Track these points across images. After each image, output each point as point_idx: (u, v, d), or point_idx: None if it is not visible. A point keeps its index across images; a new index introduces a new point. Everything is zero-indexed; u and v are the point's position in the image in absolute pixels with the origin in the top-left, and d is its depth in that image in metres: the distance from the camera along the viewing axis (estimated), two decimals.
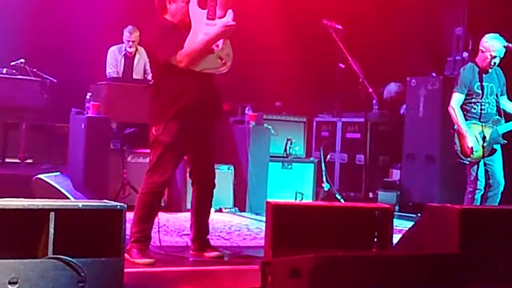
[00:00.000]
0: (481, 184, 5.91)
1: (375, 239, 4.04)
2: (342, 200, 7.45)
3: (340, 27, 6.82)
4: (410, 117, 8.01)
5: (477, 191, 5.92)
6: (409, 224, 5.16)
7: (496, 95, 6.08)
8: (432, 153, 7.58)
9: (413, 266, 3.41)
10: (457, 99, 6.02)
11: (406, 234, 4.39)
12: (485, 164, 5.96)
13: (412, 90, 8.03)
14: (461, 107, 6.03)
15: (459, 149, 6.00)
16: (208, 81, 4.54)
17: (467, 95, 6.03)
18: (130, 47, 8.37)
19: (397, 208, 7.56)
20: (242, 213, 7.01)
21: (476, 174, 5.92)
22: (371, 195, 7.80)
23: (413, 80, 8.13)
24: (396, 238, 4.24)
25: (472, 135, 5.91)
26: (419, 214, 6.28)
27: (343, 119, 8.70)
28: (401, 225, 5.98)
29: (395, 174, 8.30)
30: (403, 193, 7.83)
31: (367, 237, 4.07)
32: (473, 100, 6.04)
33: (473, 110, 6.05)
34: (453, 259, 3.57)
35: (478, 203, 5.94)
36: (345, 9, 9.34)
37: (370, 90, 6.04)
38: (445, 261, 3.49)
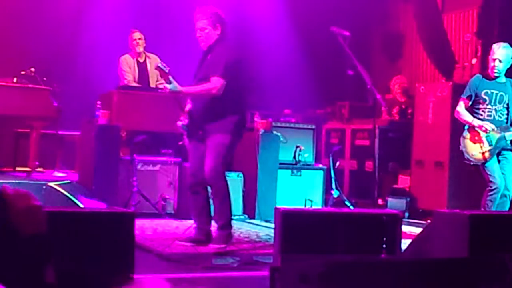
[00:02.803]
0: (498, 183, 5.97)
1: (384, 245, 4.05)
2: (351, 207, 7.45)
3: (348, 34, 6.85)
4: (419, 124, 8.02)
5: (495, 190, 5.98)
6: (419, 230, 5.16)
7: (507, 105, 6.14)
8: (441, 159, 7.58)
9: (422, 271, 3.41)
10: (461, 103, 6.16)
11: (416, 240, 4.40)
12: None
13: (421, 96, 8.04)
14: (469, 112, 6.12)
15: (466, 149, 6.12)
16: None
17: (474, 101, 6.14)
18: (138, 45, 8.41)
19: (406, 214, 7.56)
20: (252, 221, 7.03)
21: (491, 173, 5.99)
22: (380, 202, 7.76)
23: (422, 87, 8.15)
24: (406, 244, 4.25)
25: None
26: (428, 221, 6.29)
27: (352, 126, 8.74)
28: (411, 232, 5.98)
29: (404, 181, 8.27)
30: (412, 200, 7.82)
31: (376, 243, 4.08)
32: (480, 107, 6.14)
33: (479, 116, 6.15)
34: (462, 264, 3.57)
35: (496, 202, 5.99)
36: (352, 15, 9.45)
37: (378, 96, 6.08)
38: (455, 267, 3.48)
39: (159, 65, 5.37)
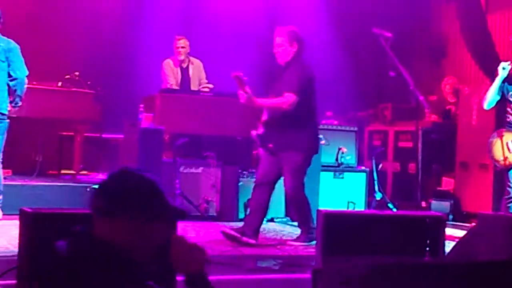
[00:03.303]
0: None
1: (427, 248, 4.06)
2: (394, 209, 7.43)
3: (390, 35, 6.85)
4: (463, 125, 7.99)
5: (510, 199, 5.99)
6: (463, 233, 5.15)
7: None
8: (486, 161, 7.50)
9: (466, 274, 3.41)
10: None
11: (460, 243, 4.39)
12: None
13: (465, 98, 7.99)
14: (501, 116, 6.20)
15: (490, 152, 6.15)
16: None
17: (506, 105, 6.16)
18: (180, 54, 8.51)
19: (451, 217, 7.55)
20: (294, 223, 7.08)
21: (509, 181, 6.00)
22: (423, 204, 7.74)
23: (466, 88, 8.10)
24: (450, 247, 4.25)
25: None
26: (473, 223, 6.25)
27: (395, 128, 8.74)
28: (455, 234, 5.96)
29: (448, 183, 8.24)
30: (456, 202, 7.78)
31: (419, 246, 4.09)
32: (508, 109, 6.15)
33: (507, 119, 6.17)
34: (507, 267, 3.55)
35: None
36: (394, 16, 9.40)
37: (421, 98, 6.09)
38: (499, 269, 3.47)
39: (237, 75, 5.82)
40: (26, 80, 6.58)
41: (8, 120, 6.46)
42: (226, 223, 6.93)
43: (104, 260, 1.94)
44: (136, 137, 7.57)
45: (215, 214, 7.55)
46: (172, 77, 8.57)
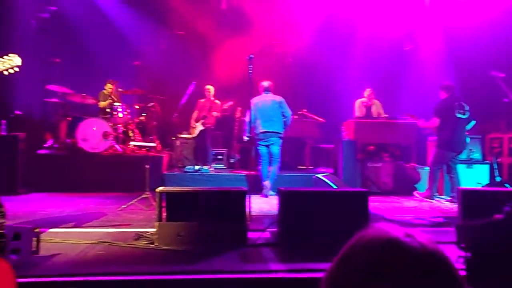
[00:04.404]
0: None
1: None
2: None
3: (503, 75, 7.35)
4: None
5: None
6: None
7: None
8: None
9: None
10: None
11: None
12: None
13: None
14: None
15: None
16: None
17: None
18: (367, 104, 8.99)
19: None
20: (441, 197, 7.60)
21: None
22: None
23: None
24: None
25: None
26: None
27: (509, 135, 8.49)
28: None
29: None
30: None
31: None
32: None
33: None
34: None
35: None
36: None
37: None
38: None
39: (411, 115, 7.20)
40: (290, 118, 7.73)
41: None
42: (399, 197, 7.58)
43: None
44: (340, 146, 8.37)
45: (389, 190, 8.19)
46: (360, 111, 9.10)
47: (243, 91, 7.57)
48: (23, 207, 6.04)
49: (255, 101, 7.50)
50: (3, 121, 7.65)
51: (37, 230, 3.37)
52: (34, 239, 3.33)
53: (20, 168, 7.40)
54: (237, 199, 4.19)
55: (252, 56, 5.47)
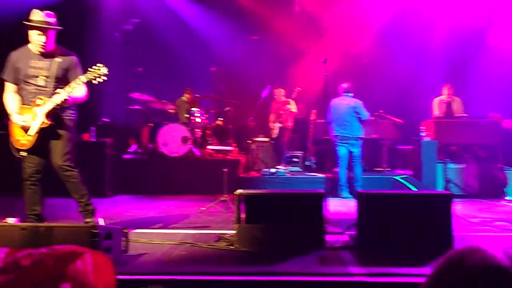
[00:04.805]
0: None
1: None
2: None
3: None
4: None
5: None
6: None
7: None
8: None
9: None
10: None
11: None
12: None
13: None
14: None
15: None
16: None
17: None
18: (446, 101, 8.79)
19: None
20: None
21: None
22: None
23: None
24: None
25: None
26: None
27: None
28: None
29: None
30: None
31: None
32: None
33: None
34: None
35: None
36: None
37: None
38: None
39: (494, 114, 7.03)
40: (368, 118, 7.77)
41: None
42: (486, 201, 7.32)
43: None
44: (419, 146, 8.14)
45: (475, 193, 7.91)
46: (438, 110, 8.92)
47: (318, 93, 7.60)
48: (111, 209, 6.40)
49: (333, 102, 7.75)
50: (92, 128, 8.16)
51: (126, 230, 3.60)
52: (124, 239, 3.56)
53: (108, 172, 7.87)
54: (315, 202, 4.23)
55: (326, 58, 5.48)
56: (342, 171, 7.84)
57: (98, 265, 0.77)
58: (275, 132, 9.51)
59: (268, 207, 4.24)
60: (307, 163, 9.74)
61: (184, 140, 8.84)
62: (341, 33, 10.38)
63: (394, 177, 8.15)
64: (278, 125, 9.50)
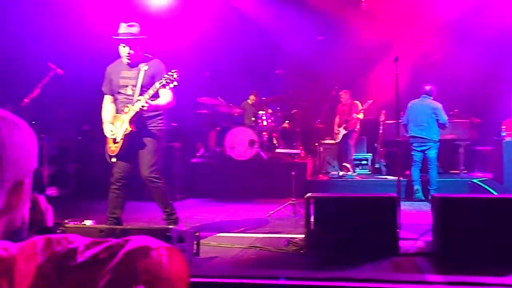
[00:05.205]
0: None
1: None
2: None
3: None
4: None
5: None
6: None
7: None
8: None
9: None
10: None
11: None
12: None
13: None
14: None
15: None
16: None
17: None
18: None
19: None
20: None
21: None
22: None
23: None
24: None
25: None
26: None
27: None
28: None
29: None
30: None
31: None
32: None
33: None
34: None
35: None
36: None
37: None
38: None
39: None
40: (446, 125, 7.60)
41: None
42: None
43: None
44: (500, 148, 7.87)
45: None
46: None
47: (388, 94, 7.47)
48: (181, 212, 6.50)
49: (411, 103, 7.75)
50: None
51: (197, 234, 3.70)
52: (195, 242, 3.66)
53: (177, 176, 8.12)
54: (387, 206, 4.15)
55: (397, 57, 5.36)
56: (415, 173, 7.78)
57: (172, 258, 0.79)
58: (338, 137, 9.48)
59: (338, 211, 4.21)
60: (376, 165, 9.59)
61: (251, 143, 8.94)
62: (410, 29, 10.18)
63: (473, 180, 7.89)
64: (343, 131, 9.43)
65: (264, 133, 9.47)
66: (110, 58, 4.80)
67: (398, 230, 4.20)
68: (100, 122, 4.69)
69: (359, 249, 4.07)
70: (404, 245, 4.23)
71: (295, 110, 9.92)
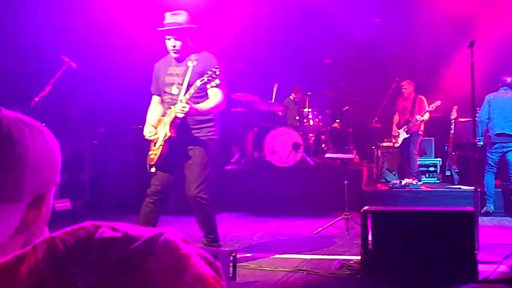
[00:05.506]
0: None
1: None
2: None
3: None
4: None
5: None
6: None
7: None
8: None
9: None
10: None
11: None
12: None
13: None
14: None
15: None
16: None
17: None
18: None
19: None
20: None
21: None
22: None
23: None
24: None
25: None
26: None
27: None
28: None
29: None
30: None
31: None
32: None
33: None
34: None
35: None
36: None
37: None
38: None
39: None
40: None
41: None
42: None
43: None
44: None
45: None
46: None
47: (462, 85, 7.32)
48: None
49: (490, 97, 7.69)
50: None
51: (233, 254, 3.70)
52: (231, 264, 3.66)
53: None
54: (462, 222, 4.09)
55: (473, 41, 5.25)
56: (489, 179, 7.67)
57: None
58: (398, 141, 9.28)
59: (402, 228, 4.16)
60: (447, 173, 9.47)
61: (295, 147, 8.93)
62: (489, 7, 9.98)
63: None
64: (404, 134, 9.20)
65: (311, 134, 9.45)
66: (131, 52, 4.82)
67: (476, 252, 4.14)
68: (117, 124, 4.72)
69: (427, 274, 4.00)
70: (483, 269, 4.16)
71: (347, 107, 9.83)
